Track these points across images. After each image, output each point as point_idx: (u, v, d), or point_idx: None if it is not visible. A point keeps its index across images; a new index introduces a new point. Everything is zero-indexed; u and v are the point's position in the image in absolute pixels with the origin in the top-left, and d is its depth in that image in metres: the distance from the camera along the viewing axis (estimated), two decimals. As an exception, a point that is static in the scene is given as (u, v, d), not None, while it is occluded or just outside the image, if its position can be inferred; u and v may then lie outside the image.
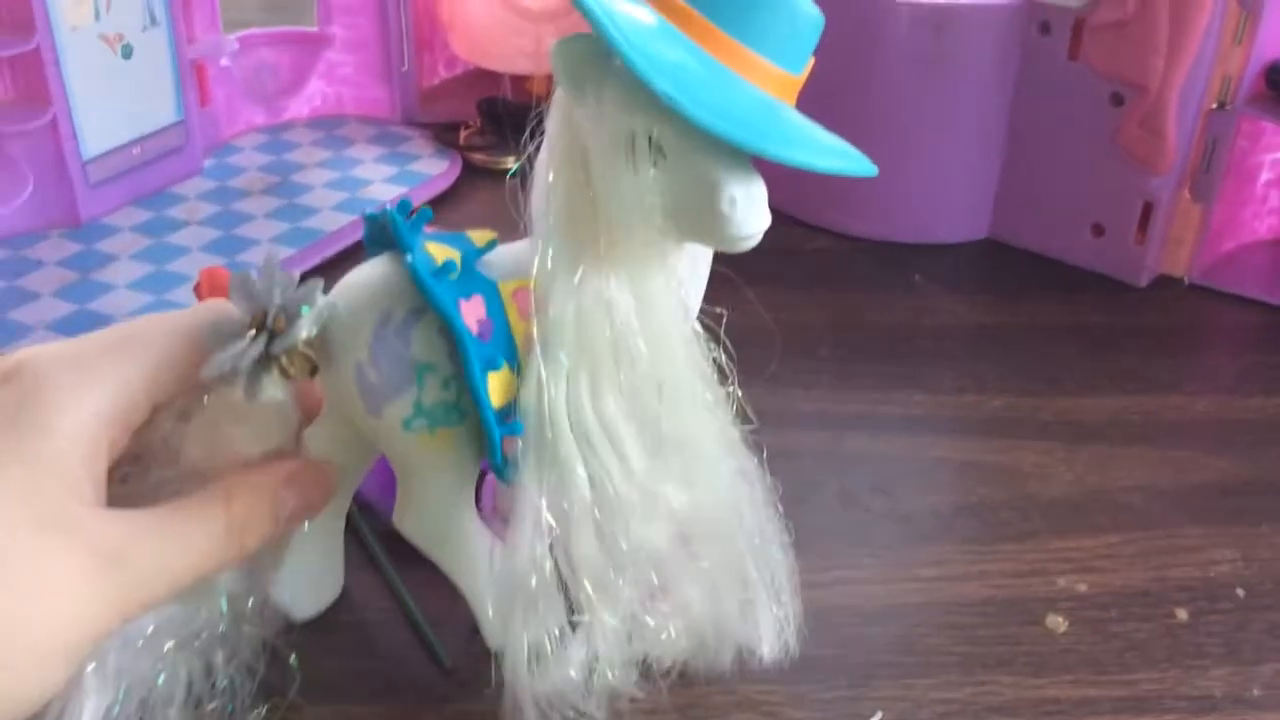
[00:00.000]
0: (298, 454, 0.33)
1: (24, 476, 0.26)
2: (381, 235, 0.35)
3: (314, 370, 0.32)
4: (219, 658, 0.33)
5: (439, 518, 0.36)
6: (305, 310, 0.31)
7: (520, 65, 0.77)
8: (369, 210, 0.36)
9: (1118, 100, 0.60)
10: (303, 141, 0.74)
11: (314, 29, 0.76)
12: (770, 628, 0.37)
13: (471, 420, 0.34)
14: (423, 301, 0.33)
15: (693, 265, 0.35)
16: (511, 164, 0.73)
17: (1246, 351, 0.58)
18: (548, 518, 0.32)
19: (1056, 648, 0.40)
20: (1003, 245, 0.66)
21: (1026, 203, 0.65)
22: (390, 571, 0.42)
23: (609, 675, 0.34)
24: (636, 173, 0.29)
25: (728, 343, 0.35)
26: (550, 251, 0.31)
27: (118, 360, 0.29)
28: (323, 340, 0.32)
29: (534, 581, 0.32)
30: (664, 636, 0.35)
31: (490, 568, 0.36)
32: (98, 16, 0.62)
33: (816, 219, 0.68)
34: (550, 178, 0.32)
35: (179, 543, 0.29)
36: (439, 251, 0.33)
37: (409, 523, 0.36)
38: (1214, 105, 0.59)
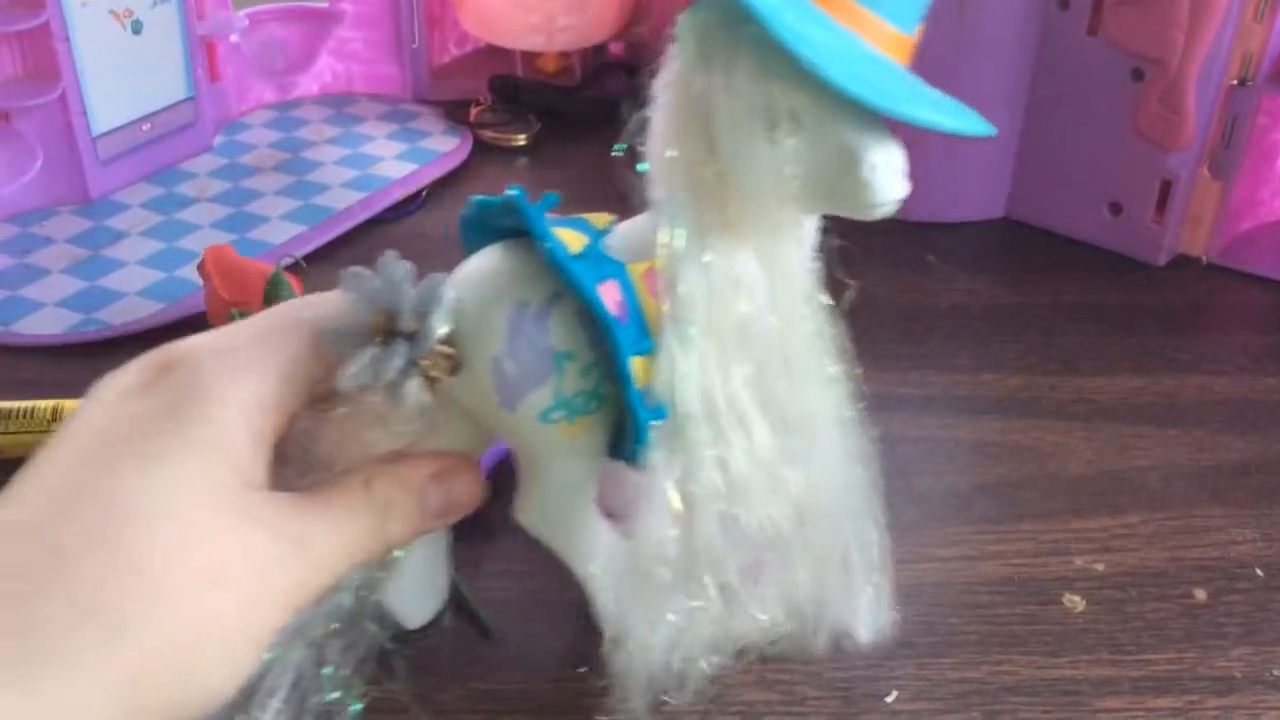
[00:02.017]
0: (445, 452, 0.32)
1: (200, 465, 0.26)
2: (487, 221, 0.33)
3: (455, 369, 0.31)
4: (331, 654, 0.32)
5: (565, 506, 0.34)
6: (434, 309, 0.30)
7: (531, 42, 0.77)
8: (475, 196, 0.34)
9: (1137, 76, 0.59)
10: (312, 119, 0.73)
11: (324, 5, 0.75)
12: (868, 610, 0.36)
13: (606, 407, 0.33)
14: (558, 288, 0.31)
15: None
16: (522, 141, 0.73)
17: (1265, 331, 0.58)
18: (676, 502, 0.31)
19: (1074, 627, 0.40)
20: (1020, 224, 0.65)
21: (1044, 181, 0.64)
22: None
23: (710, 658, 0.34)
24: (773, 144, 0.29)
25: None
26: (676, 229, 0.30)
27: (268, 351, 0.29)
28: (454, 337, 0.31)
29: (659, 567, 0.32)
30: (766, 618, 0.35)
31: (608, 554, 0.35)
32: (108, -9, 0.61)
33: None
34: (670, 153, 0.30)
35: (340, 528, 0.29)
36: (569, 236, 0.32)
37: (532, 512, 0.35)
38: (1234, 82, 0.58)
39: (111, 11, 0.62)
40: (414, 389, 0.29)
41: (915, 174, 0.71)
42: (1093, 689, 0.38)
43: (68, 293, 0.56)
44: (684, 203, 0.30)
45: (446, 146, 0.70)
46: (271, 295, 0.49)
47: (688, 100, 0.30)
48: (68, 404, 0.46)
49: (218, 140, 0.70)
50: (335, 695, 0.32)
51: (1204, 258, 0.62)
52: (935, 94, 0.30)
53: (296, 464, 0.30)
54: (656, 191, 0.31)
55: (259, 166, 0.67)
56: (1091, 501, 0.46)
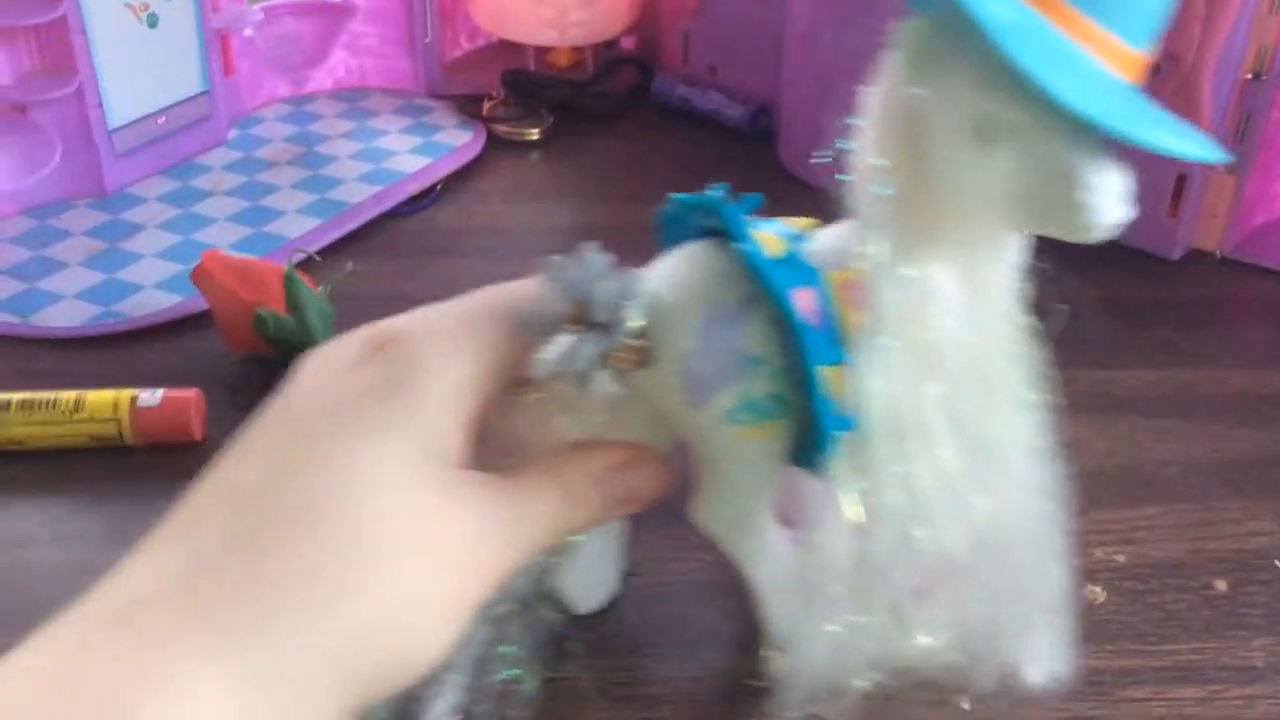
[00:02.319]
0: (630, 443, 0.33)
1: (413, 441, 0.27)
2: (686, 219, 0.33)
3: (645, 363, 0.31)
4: (509, 634, 0.33)
5: (742, 509, 0.34)
6: (629, 302, 0.30)
7: (543, 37, 0.77)
8: (676, 195, 0.34)
9: (1153, 69, 0.59)
10: (326, 113, 0.73)
11: (337, 0, 0.75)
12: (1041, 650, 0.35)
13: (793, 413, 0.32)
14: (754, 291, 0.31)
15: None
16: (535, 135, 0.73)
17: (1280, 325, 0.58)
18: (856, 516, 0.31)
19: (1096, 618, 0.40)
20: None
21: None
22: None
23: (870, 676, 0.33)
24: (986, 158, 0.28)
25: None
26: (879, 239, 0.30)
27: (474, 334, 0.29)
28: (647, 331, 0.31)
29: (830, 579, 0.32)
30: (932, 643, 0.34)
31: (782, 563, 0.35)
32: (123, -15, 0.61)
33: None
34: (877, 161, 0.30)
35: (532, 511, 0.29)
36: (768, 240, 0.32)
37: (708, 511, 0.35)
38: (1249, 76, 0.58)
39: (127, 5, 0.62)
40: (603, 379, 0.30)
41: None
42: (1115, 679, 0.38)
43: (85, 285, 0.56)
44: (887, 213, 0.30)
45: (460, 141, 0.70)
46: (292, 292, 0.49)
47: (899, 109, 0.30)
48: (90, 395, 0.46)
49: (232, 134, 0.70)
50: (512, 674, 0.32)
51: (1218, 252, 0.62)
52: (1166, 116, 0.29)
53: (490, 446, 0.30)
54: (859, 200, 0.30)
55: (273, 160, 0.68)
56: (1110, 494, 0.46)
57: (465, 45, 0.81)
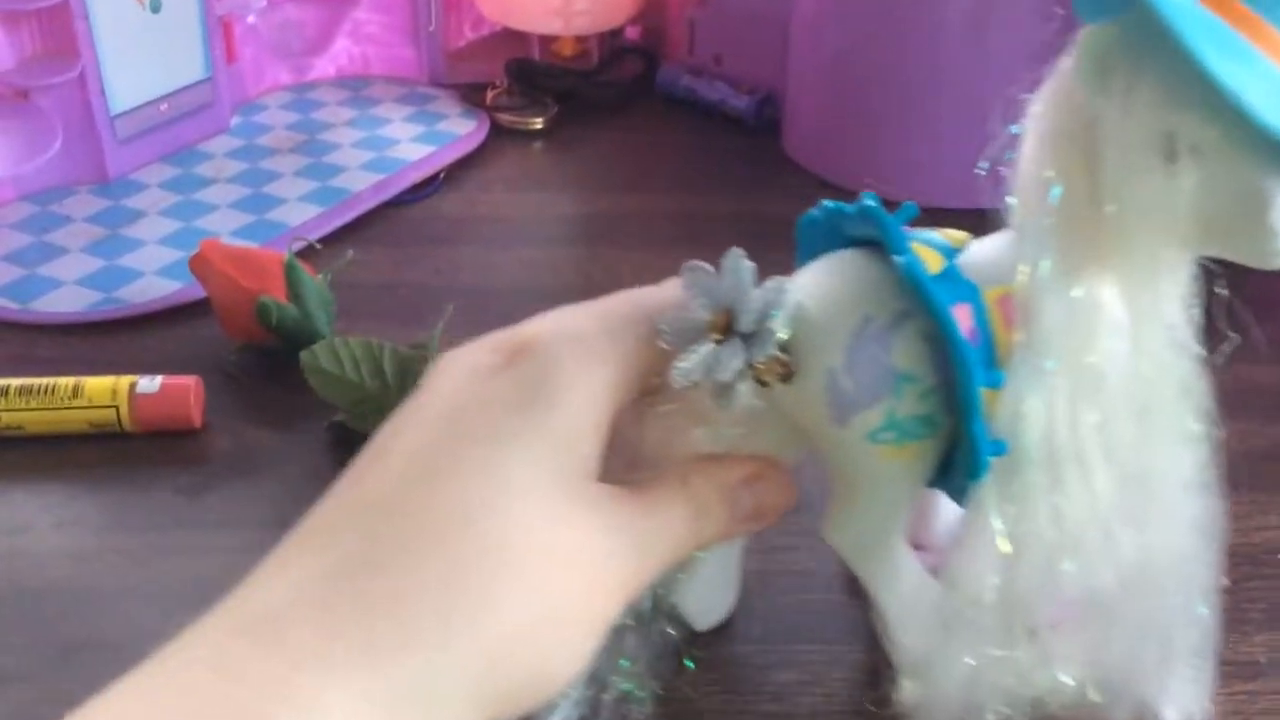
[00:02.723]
0: (759, 457, 0.32)
1: (551, 451, 0.27)
2: (834, 227, 0.32)
3: (789, 376, 0.30)
4: (628, 647, 0.32)
5: (878, 531, 0.33)
6: (775, 313, 0.29)
7: (548, 25, 0.76)
8: (825, 201, 0.33)
9: (1161, 62, 0.59)
10: (329, 101, 0.73)
11: (341, -13, 0.75)
12: (1181, 692, 0.34)
13: (938, 434, 0.31)
14: (907, 306, 0.30)
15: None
16: (539, 125, 0.73)
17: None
18: (1003, 545, 0.30)
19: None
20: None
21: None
22: None
23: (1002, 710, 0.32)
24: (1169, 176, 0.26)
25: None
26: (1042, 256, 0.28)
27: (612, 341, 0.29)
28: (792, 343, 0.30)
29: (970, 608, 0.31)
30: (1070, 679, 0.33)
31: (912, 589, 0.34)
32: (126, -30, 0.61)
33: (853, 183, 0.66)
34: (1042, 173, 0.28)
35: (663, 524, 0.29)
36: (926, 253, 0.31)
37: (841, 531, 0.34)
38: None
39: (131, -9, 0.62)
40: (745, 392, 0.29)
41: (942, 160, 0.71)
42: None
43: (86, 271, 0.56)
44: (1052, 230, 0.28)
45: (463, 129, 0.70)
46: (293, 280, 0.49)
47: (1073, 121, 0.28)
48: (89, 381, 0.46)
49: (234, 121, 0.70)
50: (628, 689, 0.32)
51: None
52: None
53: (620, 456, 0.29)
54: (1021, 215, 0.29)
55: (276, 148, 0.67)
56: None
57: (469, 34, 0.80)
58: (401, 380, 0.46)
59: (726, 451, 0.31)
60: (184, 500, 0.44)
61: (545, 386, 0.27)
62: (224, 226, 0.60)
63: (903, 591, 0.34)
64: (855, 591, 0.38)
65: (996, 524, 0.30)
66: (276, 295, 0.49)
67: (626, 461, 0.30)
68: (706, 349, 0.28)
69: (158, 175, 0.64)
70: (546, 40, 0.78)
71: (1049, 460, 0.29)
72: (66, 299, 0.54)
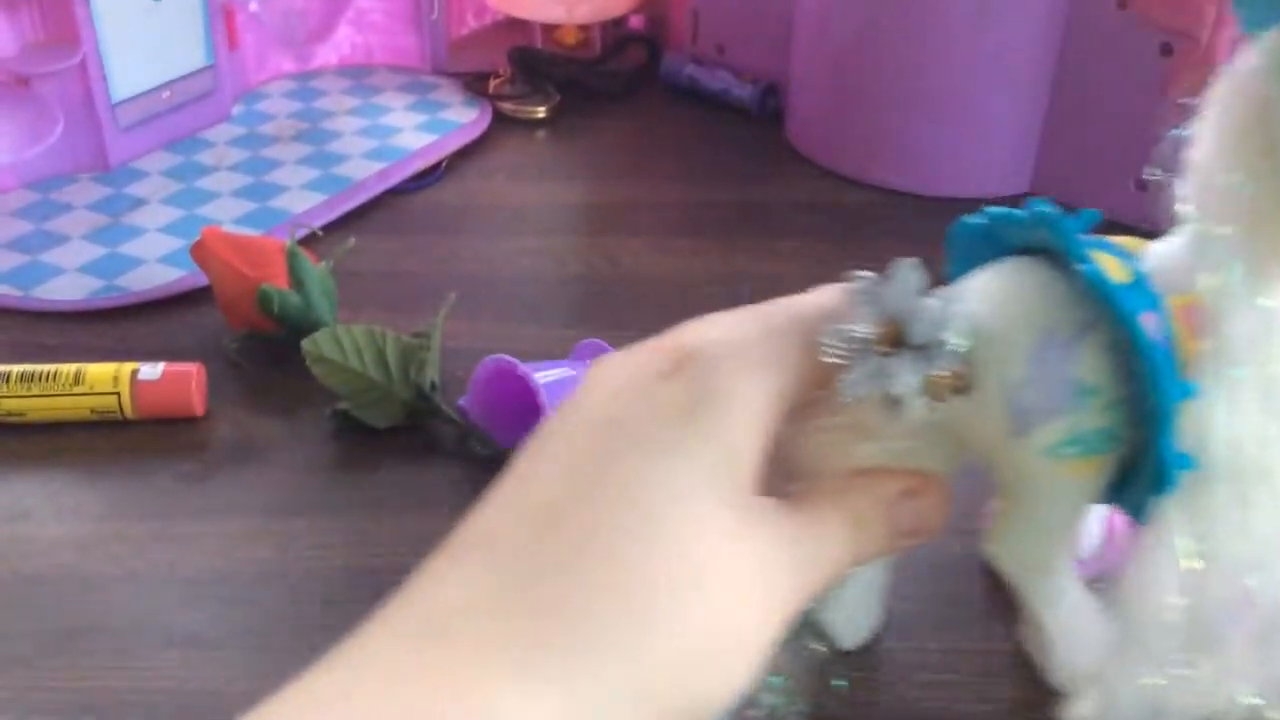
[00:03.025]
0: (917, 471, 0.31)
1: (715, 463, 0.26)
2: (999, 234, 0.31)
3: (964, 389, 0.29)
4: (775, 664, 0.31)
5: (1045, 547, 0.32)
6: (949, 324, 0.28)
7: (551, 14, 0.76)
8: (988, 208, 0.32)
9: (1167, 50, 0.58)
10: (331, 89, 0.73)
11: (343, -25, 0.74)
12: None
13: (1120, 448, 0.30)
14: (1091, 316, 0.29)
15: None
16: (542, 114, 0.72)
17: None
18: (1189, 563, 0.29)
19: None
20: (1045, 199, 0.65)
21: (1070, 156, 0.63)
22: None
23: None
24: None
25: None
26: (1230, 263, 0.28)
27: (776, 350, 0.28)
28: (968, 356, 0.29)
29: (1148, 628, 0.30)
30: (1252, 701, 0.32)
31: (1076, 607, 0.33)
32: (127, -43, 0.61)
33: (856, 173, 0.66)
34: (1227, 175, 0.27)
35: (822, 540, 0.28)
36: (1108, 261, 0.29)
37: (1008, 549, 0.33)
38: (1265, 58, 0.57)
39: (132, -22, 0.61)
40: (920, 406, 0.28)
41: (941, 149, 0.70)
42: None
43: (88, 259, 0.56)
44: (1238, 234, 0.27)
45: (466, 118, 0.70)
46: (295, 268, 0.49)
47: (1259, 117, 0.27)
48: (90, 368, 0.46)
49: (236, 109, 0.69)
50: (776, 705, 0.31)
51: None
52: None
53: (777, 468, 0.29)
54: (1202, 218, 0.28)
55: (278, 136, 0.67)
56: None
57: (471, 23, 0.80)
58: (404, 369, 0.46)
59: (885, 465, 0.30)
60: (185, 488, 0.44)
61: (712, 396, 0.27)
62: (226, 214, 0.59)
63: (1065, 610, 0.33)
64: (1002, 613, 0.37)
65: (1182, 540, 0.29)
66: (279, 283, 0.49)
67: (783, 473, 0.29)
68: (876, 362, 0.27)
69: (159, 163, 0.64)
70: (549, 29, 0.78)
71: (1236, 474, 0.28)
72: (68, 286, 0.54)
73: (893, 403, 0.28)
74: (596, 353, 0.47)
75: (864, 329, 0.27)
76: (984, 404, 0.29)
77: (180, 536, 0.41)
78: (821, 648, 0.33)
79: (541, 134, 0.71)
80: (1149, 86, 0.59)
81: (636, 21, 0.81)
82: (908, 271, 0.28)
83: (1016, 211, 0.31)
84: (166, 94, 0.65)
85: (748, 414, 0.27)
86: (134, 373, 0.46)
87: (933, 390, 0.28)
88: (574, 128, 0.72)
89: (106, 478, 0.44)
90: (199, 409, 0.46)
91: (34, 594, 0.39)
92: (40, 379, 0.45)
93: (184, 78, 0.65)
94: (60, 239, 0.57)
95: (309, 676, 0.23)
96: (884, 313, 0.27)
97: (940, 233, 0.61)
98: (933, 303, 0.28)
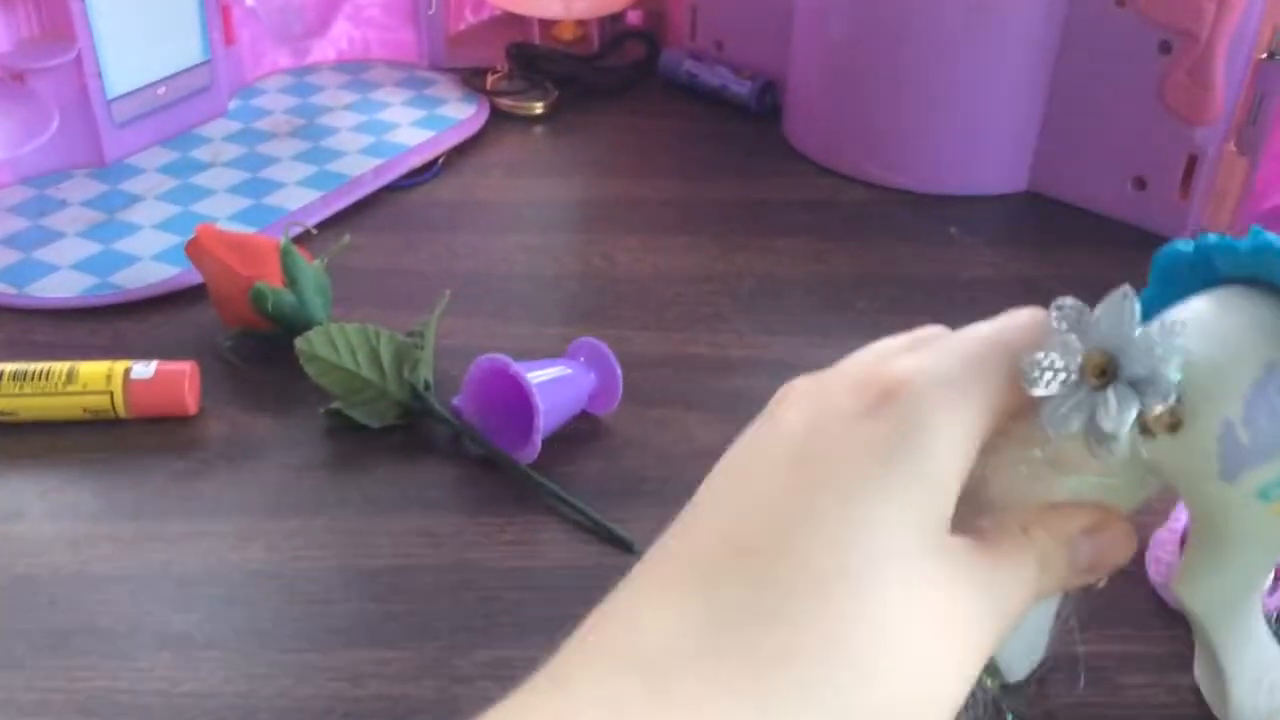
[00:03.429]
0: (1098, 505, 0.30)
1: (920, 503, 0.26)
2: (1201, 262, 0.30)
3: (1176, 426, 0.27)
4: None
5: (1239, 591, 0.31)
6: (1168, 358, 0.26)
7: (549, 9, 0.76)
8: (1203, 237, 0.31)
9: (1165, 48, 0.58)
10: (328, 84, 0.73)
11: (340, -31, 0.74)
12: None
13: None
14: None
15: None
16: (539, 109, 0.72)
17: (1291, 309, 0.57)
18: None
19: (1097, 604, 0.39)
20: (1043, 197, 0.65)
21: (1068, 154, 0.63)
22: (552, 486, 0.43)
23: None
24: None
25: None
26: None
27: (978, 381, 0.27)
28: (1180, 391, 0.27)
29: None
30: None
31: (1266, 652, 0.32)
32: (122, -48, 0.61)
33: (853, 170, 0.66)
34: None
35: (1012, 578, 0.27)
36: None
37: (1200, 591, 0.31)
38: (1263, 56, 0.57)
39: (127, -27, 0.61)
40: (1131, 442, 0.26)
41: (939, 147, 0.70)
42: (1118, 664, 0.37)
43: (82, 256, 0.56)
44: None
45: (463, 114, 0.70)
46: (289, 266, 0.49)
47: None
48: (83, 366, 0.46)
49: (233, 105, 0.69)
50: None
51: (1229, 235, 0.61)
52: None
53: (965, 502, 0.28)
54: None
55: (274, 132, 0.67)
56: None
57: (469, 18, 0.80)
58: (398, 368, 0.46)
59: (1076, 500, 0.29)
60: (178, 487, 0.44)
61: (916, 435, 0.26)
62: (221, 211, 0.59)
63: (1254, 657, 0.32)
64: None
65: None
66: (273, 281, 0.49)
67: (970, 504, 0.28)
68: (1085, 395, 0.26)
69: (155, 159, 0.64)
70: (547, 24, 0.77)
71: None
72: (63, 283, 0.54)
73: (1101, 438, 0.27)
74: (591, 352, 0.46)
75: (1072, 359, 0.27)
76: (1197, 442, 0.28)
77: (173, 536, 0.41)
78: (993, 682, 0.32)
79: (539, 130, 0.71)
80: (1146, 85, 0.59)
81: (635, 17, 0.81)
82: (1122, 300, 0.27)
83: (1234, 240, 0.29)
84: (162, 90, 0.65)
85: (950, 452, 0.26)
86: (127, 372, 0.46)
87: (1146, 427, 0.27)
88: (572, 124, 0.72)
89: (99, 477, 0.44)
90: (192, 408, 0.46)
91: (27, 594, 0.39)
92: (33, 378, 0.45)
93: (180, 74, 0.65)
94: (55, 235, 0.57)
95: (520, 699, 0.23)
96: (1094, 343, 0.27)
97: (940, 230, 0.61)
98: (1150, 334, 0.27)
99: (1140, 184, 0.61)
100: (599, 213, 0.63)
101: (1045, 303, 0.51)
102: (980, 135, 0.64)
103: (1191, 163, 0.59)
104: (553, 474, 0.44)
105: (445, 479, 0.44)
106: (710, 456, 0.46)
